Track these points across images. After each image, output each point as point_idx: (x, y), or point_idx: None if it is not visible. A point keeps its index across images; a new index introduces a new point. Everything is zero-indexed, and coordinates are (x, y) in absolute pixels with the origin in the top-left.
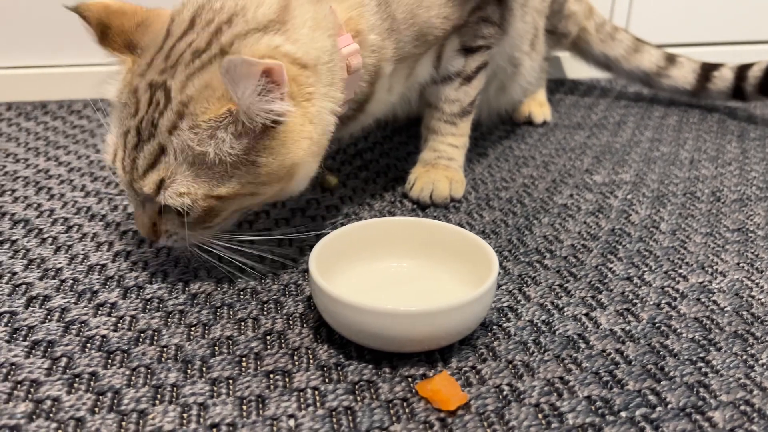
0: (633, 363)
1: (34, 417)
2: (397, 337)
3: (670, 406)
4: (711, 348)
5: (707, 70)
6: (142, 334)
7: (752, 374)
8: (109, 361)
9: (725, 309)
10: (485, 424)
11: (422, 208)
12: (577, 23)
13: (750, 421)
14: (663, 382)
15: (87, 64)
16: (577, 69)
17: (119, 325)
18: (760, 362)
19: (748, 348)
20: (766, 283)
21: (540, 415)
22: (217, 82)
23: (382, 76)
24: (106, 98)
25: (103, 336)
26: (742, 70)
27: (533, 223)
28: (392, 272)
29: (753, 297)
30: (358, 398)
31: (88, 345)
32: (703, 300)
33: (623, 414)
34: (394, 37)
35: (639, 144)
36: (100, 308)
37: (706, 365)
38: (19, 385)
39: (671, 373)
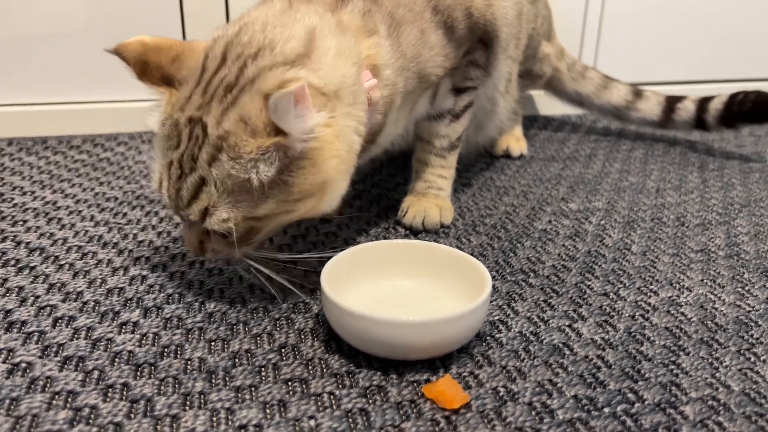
0: (613, 366)
1: (74, 423)
2: (403, 346)
3: (646, 402)
4: (681, 353)
5: (672, 102)
6: (166, 349)
7: (717, 374)
8: (138, 373)
9: (692, 319)
10: (485, 420)
11: (414, 233)
12: (550, 64)
13: (717, 413)
14: (640, 383)
15: (86, 101)
16: (549, 106)
17: (143, 341)
18: (724, 364)
19: (713, 352)
20: (727, 297)
21: (533, 412)
22: (248, 114)
23: (393, 108)
24: (148, 129)
25: (130, 351)
26: (702, 103)
27: (517, 246)
28: (396, 290)
29: (716, 308)
30: (370, 401)
31: (117, 359)
32: (672, 312)
33: (606, 410)
34: (404, 74)
35: (609, 175)
36: (124, 327)
37: (677, 367)
38: (56, 396)
39: (647, 375)
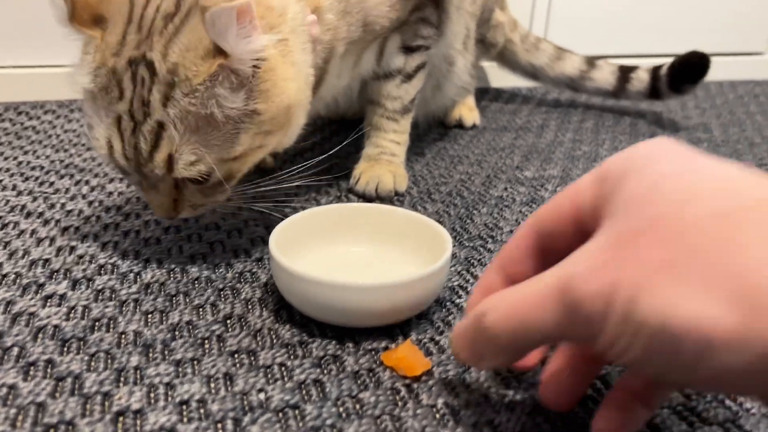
0: None
1: None
2: (360, 312)
3: (617, 369)
4: None
5: (625, 72)
6: (97, 323)
7: None
8: (65, 348)
9: None
10: (448, 388)
11: (368, 201)
12: (503, 34)
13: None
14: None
15: (7, 66)
16: (500, 78)
17: (71, 315)
18: None
19: None
20: None
21: (498, 378)
22: (196, 40)
23: (335, 56)
24: (78, 87)
25: (56, 325)
26: (655, 71)
27: (473, 213)
28: (351, 255)
29: None
30: (325, 371)
31: (41, 335)
32: None
33: None
34: (347, 19)
35: (562, 144)
36: (49, 300)
37: None
38: None
39: None
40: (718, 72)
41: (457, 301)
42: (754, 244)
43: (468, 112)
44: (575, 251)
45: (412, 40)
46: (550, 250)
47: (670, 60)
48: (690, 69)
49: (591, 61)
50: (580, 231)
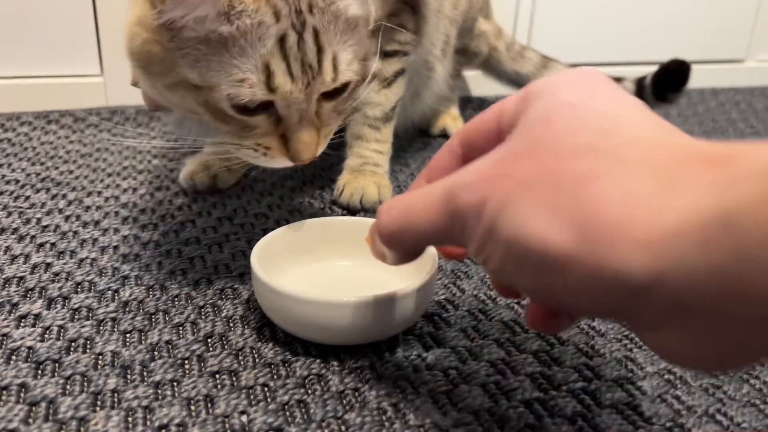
0: (566, 343)
1: None
2: (345, 329)
3: (604, 378)
4: None
5: None
6: (73, 343)
7: None
8: (39, 371)
9: None
10: (437, 405)
11: (352, 213)
12: (488, 43)
13: (674, 387)
14: (595, 359)
15: None
16: (482, 86)
17: (46, 335)
18: None
19: None
20: None
21: (488, 395)
22: None
23: None
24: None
25: (30, 347)
26: (639, 82)
27: None
28: (334, 271)
29: None
30: (309, 391)
31: (14, 357)
32: None
33: (564, 387)
34: None
35: None
36: (23, 320)
37: (630, 341)
38: None
39: (601, 350)
40: (699, 79)
41: (445, 315)
42: (607, 178)
43: (452, 121)
44: (469, 164)
45: (387, 44)
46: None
47: (651, 68)
48: (671, 76)
49: None
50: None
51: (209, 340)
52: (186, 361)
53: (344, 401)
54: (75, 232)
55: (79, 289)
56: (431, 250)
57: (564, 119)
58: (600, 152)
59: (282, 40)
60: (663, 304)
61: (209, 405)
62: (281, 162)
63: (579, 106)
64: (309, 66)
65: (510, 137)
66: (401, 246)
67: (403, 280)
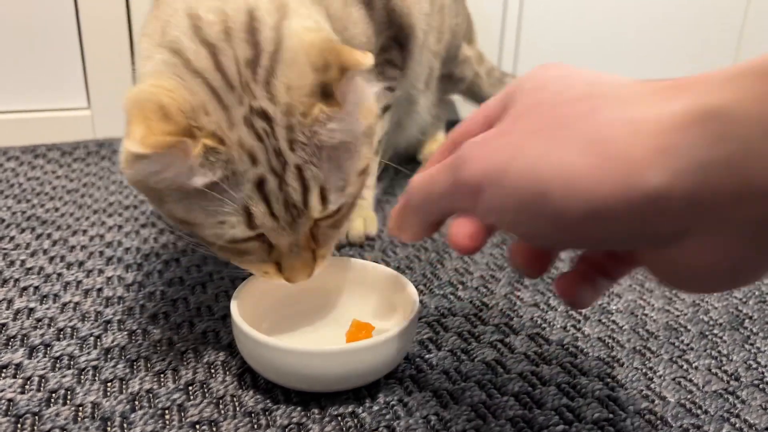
0: (548, 383)
1: None
2: (325, 377)
3: (585, 421)
4: (615, 364)
5: None
6: (53, 394)
7: (652, 386)
8: (19, 426)
9: (624, 327)
10: None
11: (338, 247)
12: (471, 68)
13: (654, 428)
14: (577, 399)
15: None
16: (469, 110)
17: (27, 386)
18: (657, 374)
19: (646, 362)
20: (655, 302)
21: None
22: (296, 78)
23: None
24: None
25: (10, 399)
26: None
27: (444, 257)
28: (316, 313)
29: (646, 315)
30: None
31: None
32: (603, 321)
33: None
34: None
35: None
36: (4, 370)
37: (613, 380)
38: None
39: (583, 390)
40: None
41: (427, 356)
42: (607, 109)
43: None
44: (475, 137)
45: (378, 79)
46: None
47: None
48: None
49: None
50: None
51: (190, 388)
52: (166, 411)
53: None
54: (59, 275)
55: (61, 336)
56: (411, 289)
57: (556, 84)
58: (595, 96)
59: (260, 184)
60: (682, 208)
61: None
62: (281, 282)
63: (566, 75)
64: (293, 205)
65: (506, 114)
66: (423, 215)
67: (384, 320)
